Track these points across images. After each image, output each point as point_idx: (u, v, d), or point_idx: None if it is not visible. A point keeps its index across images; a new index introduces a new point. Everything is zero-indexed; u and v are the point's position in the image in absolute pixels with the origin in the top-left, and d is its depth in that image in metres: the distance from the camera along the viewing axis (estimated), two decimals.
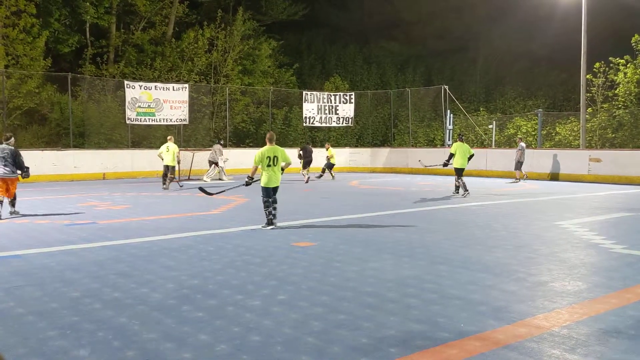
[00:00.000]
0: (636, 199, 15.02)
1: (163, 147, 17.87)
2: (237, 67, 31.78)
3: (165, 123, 25.52)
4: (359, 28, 46.10)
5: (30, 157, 14.18)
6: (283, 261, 7.19)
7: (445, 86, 27.50)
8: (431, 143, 31.13)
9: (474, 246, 8.22)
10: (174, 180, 18.26)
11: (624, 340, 4.41)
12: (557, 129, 27.50)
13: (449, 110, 27.05)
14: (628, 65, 25.61)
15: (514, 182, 20.49)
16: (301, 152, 21.92)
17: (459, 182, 15.55)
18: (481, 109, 32.55)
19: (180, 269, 6.75)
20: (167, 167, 17.73)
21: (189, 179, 21.15)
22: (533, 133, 27.52)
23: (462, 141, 15.72)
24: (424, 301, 5.42)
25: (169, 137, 18.33)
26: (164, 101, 24.78)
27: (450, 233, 9.33)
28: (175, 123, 25.79)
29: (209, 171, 21.43)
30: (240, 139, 29.95)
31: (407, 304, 5.34)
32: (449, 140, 26.98)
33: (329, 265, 6.98)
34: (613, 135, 25.85)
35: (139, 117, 24.27)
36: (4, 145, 11.22)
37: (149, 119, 24.62)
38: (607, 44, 29.29)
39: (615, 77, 25.96)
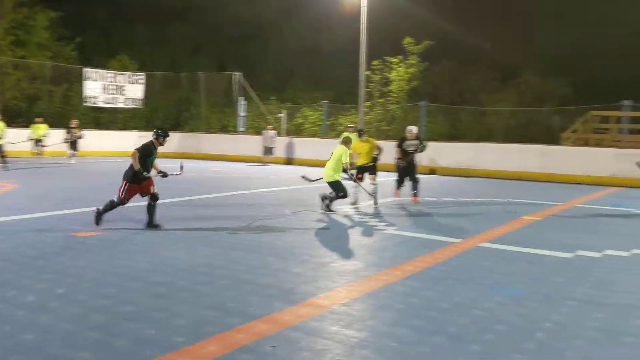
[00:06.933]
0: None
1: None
2: (8, 37, 28.33)
3: None
4: (148, 7, 44.00)
5: None
6: (62, 252, 6.65)
7: (237, 73, 27.72)
8: (224, 129, 31.19)
9: (265, 231, 8.49)
10: None
11: (393, 314, 4.95)
12: (340, 120, 29.47)
13: (241, 98, 27.36)
14: (400, 65, 28.50)
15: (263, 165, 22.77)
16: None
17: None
18: (272, 98, 33.43)
19: None
20: None
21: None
22: (319, 123, 29.17)
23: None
24: (217, 287, 5.47)
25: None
26: None
27: (244, 219, 9.47)
28: None
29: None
30: (11, 118, 26.72)
31: (199, 291, 5.33)
32: (241, 126, 27.34)
33: (115, 255, 6.63)
34: (388, 127, 28.55)
35: None
36: None
37: None
38: (386, 44, 31.93)
39: (390, 75, 28.70)
